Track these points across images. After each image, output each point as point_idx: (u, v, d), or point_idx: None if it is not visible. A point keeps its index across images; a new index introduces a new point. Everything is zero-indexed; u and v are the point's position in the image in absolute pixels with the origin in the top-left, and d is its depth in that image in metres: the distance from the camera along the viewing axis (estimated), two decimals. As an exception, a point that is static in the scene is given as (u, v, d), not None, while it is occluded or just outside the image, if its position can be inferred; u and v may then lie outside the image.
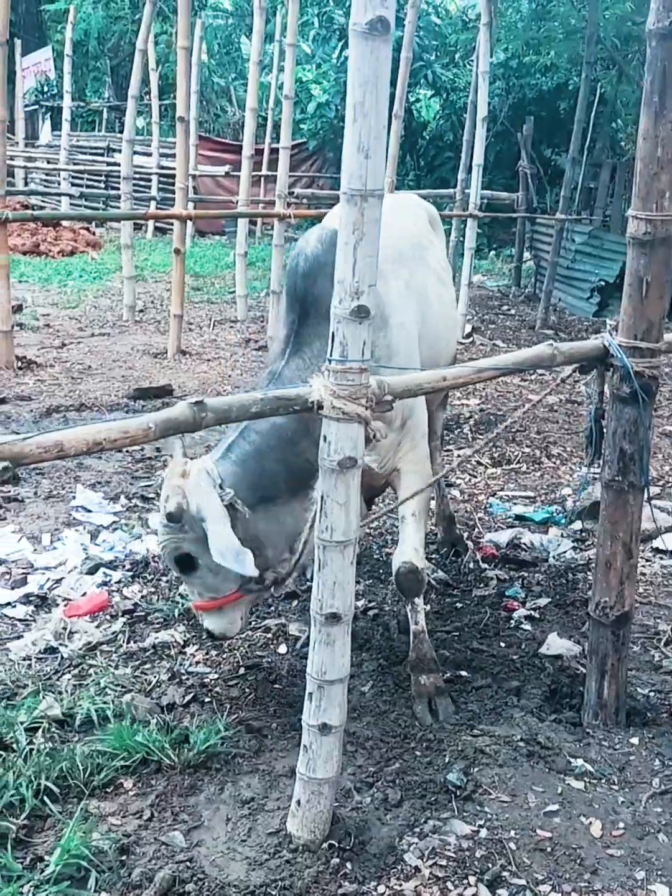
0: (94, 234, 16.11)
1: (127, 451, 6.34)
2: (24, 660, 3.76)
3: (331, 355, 2.35)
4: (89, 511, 5.22)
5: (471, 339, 10.42)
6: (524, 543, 4.89)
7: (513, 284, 14.52)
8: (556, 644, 3.74)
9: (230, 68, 25.54)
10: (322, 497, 2.46)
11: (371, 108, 2.18)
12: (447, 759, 3.02)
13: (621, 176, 13.16)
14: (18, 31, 21.59)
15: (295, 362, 3.21)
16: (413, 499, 3.40)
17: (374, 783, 2.95)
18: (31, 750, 3.06)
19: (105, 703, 3.37)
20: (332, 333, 2.34)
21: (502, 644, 3.88)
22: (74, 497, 5.35)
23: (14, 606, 4.22)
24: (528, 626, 4.03)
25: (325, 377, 2.38)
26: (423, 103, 21.28)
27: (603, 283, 12.43)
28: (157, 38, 20.03)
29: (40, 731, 3.20)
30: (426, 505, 3.73)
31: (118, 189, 15.38)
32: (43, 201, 19.36)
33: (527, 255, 14.75)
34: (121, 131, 19.51)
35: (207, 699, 3.47)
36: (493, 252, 17.86)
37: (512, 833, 2.74)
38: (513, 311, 12.72)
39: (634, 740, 3.21)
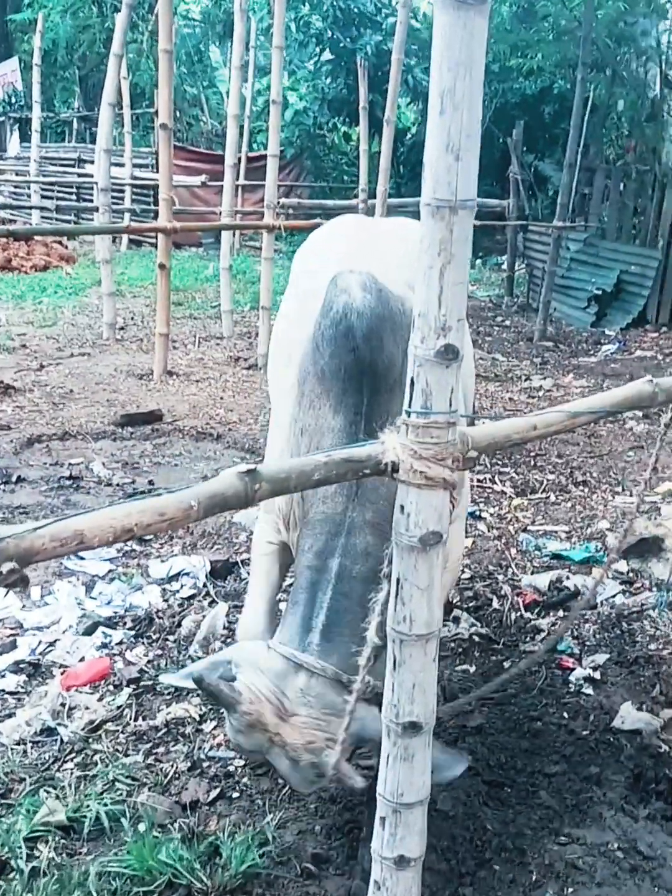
0: (67, 247, 15.55)
1: (118, 485, 5.83)
2: (17, 744, 3.28)
3: (409, 406, 1.88)
4: (82, 558, 4.70)
5: (468, 353, 9.96)
6: (567, 587, 4.42)
7: (505, 294, 14.11)
8: (630, 717, 3.26)
9: (201, 77, 25.02)
10: (397, 581, 1.99)
11: (464, 96, 1.71)
12: (534, 876, 2.54)
13: (615, 182, 12.77)
14: (-16, 42, 20.99)
15: None
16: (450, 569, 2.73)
17: (450, 910, 2.47)
18: (34, 868, 2.57)
19: (116, 801, 2.88)
20: (412, 379, 1.86)
21: (565, 714, 3.39)
22: (64, 542, 4.82)
23: (3, 676, 3.72)
24: (590, 690, 3.55)
25: (402, 433, 1.90)
26: (401, 109, 20.89)
27: (600, 292, 12.03)
28: (127, 46, 19.49)
29: (43, 841, 2.72)
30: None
31: (90, 201, 14.87)
32: (13, 215, 18.75)
33: (519, 263, 14.34)
34: (91, 142, 18.97)
35: (235, 794, 2.97)
36: (479, 260, 17.46)
37: None
38: (508, 323, 12.27)
39: None
